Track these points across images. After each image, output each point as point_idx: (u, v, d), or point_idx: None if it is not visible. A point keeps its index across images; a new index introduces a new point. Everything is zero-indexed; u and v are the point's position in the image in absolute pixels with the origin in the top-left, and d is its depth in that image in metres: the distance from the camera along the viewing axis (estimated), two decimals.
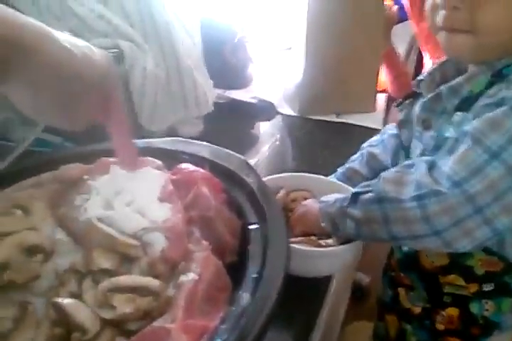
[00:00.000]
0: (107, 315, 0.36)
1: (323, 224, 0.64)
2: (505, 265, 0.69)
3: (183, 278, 0.39)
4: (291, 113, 1.26)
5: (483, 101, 0.59)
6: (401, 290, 0.82)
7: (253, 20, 1.40)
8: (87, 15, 0.81)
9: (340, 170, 0.83)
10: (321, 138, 1.16)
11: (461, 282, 0.72)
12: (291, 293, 0.39)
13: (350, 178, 0.81)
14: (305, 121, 1.24)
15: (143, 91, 0.91)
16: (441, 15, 0.61)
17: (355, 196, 0.61)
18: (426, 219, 0.54)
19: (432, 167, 0.57)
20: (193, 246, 0.43)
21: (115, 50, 0.84)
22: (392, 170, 0.62)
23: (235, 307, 0.37)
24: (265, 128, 1.22)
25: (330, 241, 0.66)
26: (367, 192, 0.61)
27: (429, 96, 0.67)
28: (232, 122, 1.20)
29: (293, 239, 0.64)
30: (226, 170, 0.53)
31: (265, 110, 1.25)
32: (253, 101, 1.25)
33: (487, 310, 0.73)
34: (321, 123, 1.22)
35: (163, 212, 0.45)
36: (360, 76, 1.21)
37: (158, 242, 0.42)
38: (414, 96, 0.73)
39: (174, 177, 0.50)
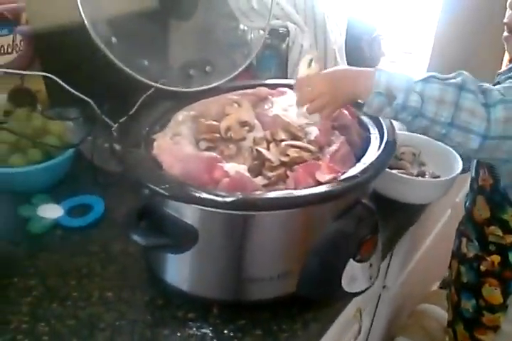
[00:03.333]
0: (284, 159, 0.63)
1: (374, 93, 0.62)
2: None
3: (329, 149, 0.65)
4: None
5: None
6: (463, 239, 1.01)
7: (388, 21, 1.63)
8: (267, 2, 1.11)
9: None
10: None
11: (499, 232, 0.89)
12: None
13: None
14: None
15: (297, 63, 1.19)
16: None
17: (432, 77, 0.62)
18: (488, 120, 0.60)
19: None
20: (335, 138, 0.69)
21: (284, 29, 1.14)
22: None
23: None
24: None
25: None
26: (448, 78, 0.62)
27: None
28: None
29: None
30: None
31: None
32: None
33: None
34: None
35: (318, 117, 0.71)
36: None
37: (314, 132, 0.69)
38: None
39: None
